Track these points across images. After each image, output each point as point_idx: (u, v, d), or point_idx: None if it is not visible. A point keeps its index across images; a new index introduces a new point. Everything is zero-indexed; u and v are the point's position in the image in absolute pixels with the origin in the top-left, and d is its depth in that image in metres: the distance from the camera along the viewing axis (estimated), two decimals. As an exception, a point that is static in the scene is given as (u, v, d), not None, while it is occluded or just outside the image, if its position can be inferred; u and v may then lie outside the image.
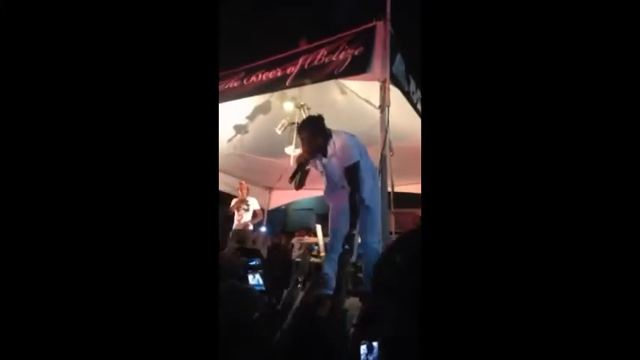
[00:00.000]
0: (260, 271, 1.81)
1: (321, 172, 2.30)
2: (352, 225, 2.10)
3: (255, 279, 1.78)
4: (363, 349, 0.99)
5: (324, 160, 2.21)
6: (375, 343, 0.99)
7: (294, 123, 3.07)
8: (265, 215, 4.97)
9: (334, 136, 2.17)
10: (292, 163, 3.14)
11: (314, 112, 3.04)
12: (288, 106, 3.02)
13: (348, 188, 2.15)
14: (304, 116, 3.03)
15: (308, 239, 3.63)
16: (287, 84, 2.15)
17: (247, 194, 4.36)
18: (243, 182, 4.40)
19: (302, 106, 3.02)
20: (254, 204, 4.37)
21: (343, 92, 2.74)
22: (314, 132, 2.16)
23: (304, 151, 2.20)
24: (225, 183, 4.39)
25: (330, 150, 2.16)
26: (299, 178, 2.28)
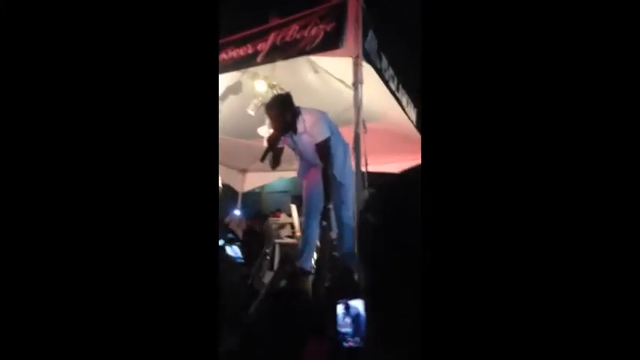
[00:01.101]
0: (238, 243, 1.81)
1: (294, 149, 2.29)
2: (327, 199, 2.12)
3: (233, 251, 1.78)
4: (340, 308, 1.00)
5: (295, 137, 2.21)
6: (351, 302, 1.00)
7: (264, 104, 3.03)
8: (239, 198, 4.93)
9: (304, 113, 2.17)
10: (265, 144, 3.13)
11: (286, 92, 3.02)
12: (260, 86, 2.97)
13: (320, 165, 2.15)
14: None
15: (283, 220, 3.62)
16: (258, 61, 2.11)
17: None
18: None
19: (274, 85, 2.97)
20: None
21: (316, 71, 2.71)
22: (282, 109, 2.16)
23: (274, 129, 2.20)
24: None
25: (300, 127, 2.17)
26: (272, 157, 2.28)
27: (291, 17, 2.05)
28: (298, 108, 2.20)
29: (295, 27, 2.00)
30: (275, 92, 2.97)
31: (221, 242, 1.82)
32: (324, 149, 2.13)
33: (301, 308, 1.26)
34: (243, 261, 1.79)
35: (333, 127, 2.20)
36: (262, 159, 2.25)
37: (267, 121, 3.04)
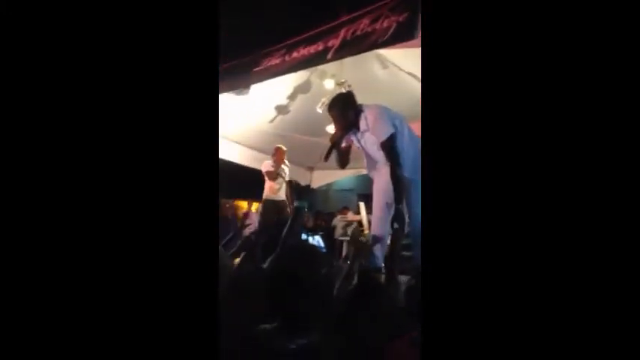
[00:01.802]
0: (321, 233, 1.83)
1: (358, 148, 2.27)
2: (397, 200, 2.06)
3: (315, 240, 1.80)
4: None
5: (359, 136, 2.18)
6: None
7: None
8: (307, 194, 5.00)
9: (366, 110, 2.12)
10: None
11: (355, 89, 3.01)
12: (329, 84, 2.99)
13: (388, 163, 2.10)
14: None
15: (351, 217, 3.62)
16: (329, 57, 2.11)
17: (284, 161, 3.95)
18: (281, 146, 3.92)
19: (342, 83, 2.98)
20: (287, 173, 4.02)
21: (385, 66, 2.67)
22: (343, 108, 2.14)
23: (336, 128, 2.18)
24: (268, 164, 4.44)
25: (362, 125, 2.13)
26: (339, 156, 2.27)
27: (361, 11, 2.03)
28: (360, 106, 2.15)
29: (366, 21, 1.97)
30: (344, 90, 2.98)
31: (304, 236, 1.85)
32: (388, 147, 2.05)
33: (376, 307, 1.23)
34: (325, 250, 1.81)
35: (398, 123, 2.12)
36: (326, 158, 2.24)
37: (333, 120, 3.07)
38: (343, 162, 2.32)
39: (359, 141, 2.22)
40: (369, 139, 2.15)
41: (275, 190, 3.93)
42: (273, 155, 3.87)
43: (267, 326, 1.03)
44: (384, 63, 2.65)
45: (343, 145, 2.26)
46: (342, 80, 2.94)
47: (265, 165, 3.91)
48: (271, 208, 3.86)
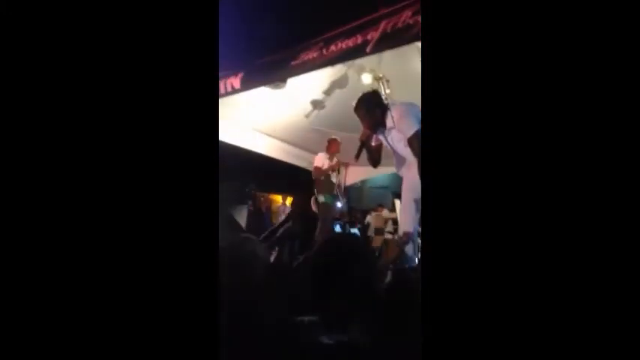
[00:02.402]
0: (358, 226, 1.84)
1: (386, 146, 2.25)
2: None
3: (353, 231, 1.82)
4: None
5: (386, 134, 2.17)
6: None
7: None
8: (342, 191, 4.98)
9: (392, 108, 2.12)
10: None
11: (393, 84, 2.94)
12: (366, 79, 2.94)
13: (416, 159, 2.06)
14: (383, 89, 2.94)
15: (386, 214, 3.56)
16: (367, 51, 2.07)
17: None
18: (336, 138, 3.68)
19: (380, 78, 2.92)
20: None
21: (425, 60, 2.59)
22: (369, 107, 2.15)
23: (364, 127, 2.20)
24: (303, 158, 4.44)
25: (389, 122, 2.12)
26: (370, 155, 2.29)
27: (402, 3, 1.97)
28: (387, 104, 2.16)
29: (408, 13, 1.92)
30: (381, 84, 2.92)
31: (337, 228, 1.86)
32: (415, 143, 2.03)
33: (411, 305, 1.20)
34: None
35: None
36: (357, 157, 2.26)
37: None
38: (375, 160, 2.33)
39: (386, 139, 2.22)
40: (395, 136, 2.15)
41: (329, 185, 3.75)
42: (328, 148, 3.71)
43: (305, 319, 1.02)
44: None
45: (373, 143, 2.27)
46: (380, 75, 2.88)
47: (320, 159, 3.71)
48: (328, 204, 3.70)
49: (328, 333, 0.95)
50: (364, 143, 2.21)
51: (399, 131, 2.09)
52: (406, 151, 2.14)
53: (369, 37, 2.07)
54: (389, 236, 3.18)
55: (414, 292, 1.41)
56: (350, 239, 1.50)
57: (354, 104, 2.25)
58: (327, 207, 3.59)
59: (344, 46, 2.17)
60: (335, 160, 3.68)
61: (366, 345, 0.95)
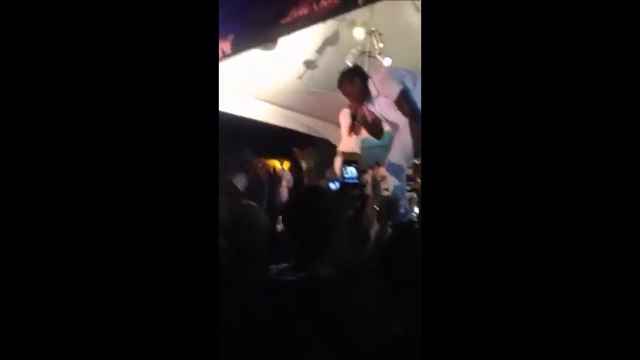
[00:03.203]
0: (355, 165, 1.88)
1: (378, 115, 2.25)
2: (416, 154, 2.04)
3: (348, 172, 1.87)
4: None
5: (374, 102, 2.20)
6: None
7: (365, 52, 2.92)
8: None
9: (372, 76, 2.14)
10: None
11: (386, 37, 2.86)
12: (359, 33, 2.86)
13: (406, 120, 2.06)
14: (376, 43, 2.86)
15: (383, 172, 3.56)
16: (360, 3, 2.01)
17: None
18: None
19: (373, 31, 2.84)
20: None
21: (419, 10, 2.51)
22: (351, 80, 2.15)
23: (351, 101, 2.21)
24: (300, 123, 4.40)
25: (372, 91, 2.13)
26: (370, 128, 2.33)
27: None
28: (366, 73, 2.17)
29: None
30: (374, 39, 2.85)
31: (332, 186, 1.90)
32: (402, 104, 2.04)
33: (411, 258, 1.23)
34: (357, 182, 1.87)
35: (409, 79, 2.09)
36: (351, 133, 2.30)
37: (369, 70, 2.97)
38: (377, 133, 2.37)
39: (375, 108, 2.24)
40: (382, 102, 2.17)
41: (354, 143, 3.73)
42: (349, 94, 3.59)
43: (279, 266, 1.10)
44: (417, 6, 2.49)
45: (369, 118, 2.28)
46: (373, 29, 2.80)
47: (344, 115, 3.67)
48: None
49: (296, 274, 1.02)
50: (355, 117, 2.23)
51: (385, 96, 2.10)
52: (396, 115, 2.14)
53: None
54: (386, 193, 3.20)
55: (413, 244, 1.46)
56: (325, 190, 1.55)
57: (337, 84, 2.25)
58: (312, 171, 3.58)
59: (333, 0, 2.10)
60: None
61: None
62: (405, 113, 2.07)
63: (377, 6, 2.32)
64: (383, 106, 2.19)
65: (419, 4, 2.44)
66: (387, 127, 2.52)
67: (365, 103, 2.22)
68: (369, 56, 2.91)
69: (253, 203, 1.56)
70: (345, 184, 1.82)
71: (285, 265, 1.12)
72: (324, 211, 1.12)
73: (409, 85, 2.09)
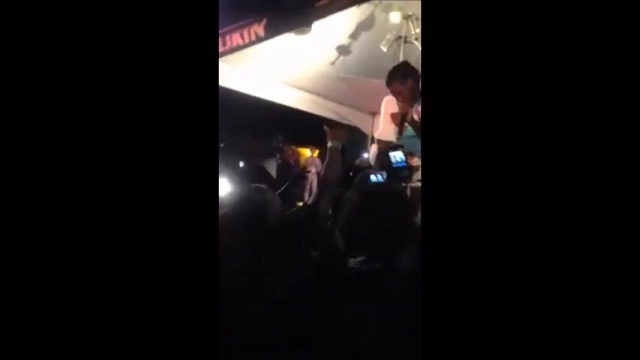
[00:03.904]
0: (402, 149, 1.88)
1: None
2: None
3: (395, 157, 1.87)
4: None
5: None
6: None
7: (400, 37, 2.82)
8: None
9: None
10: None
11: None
12: (395, 18, 2.76)
13: None
14: (413, 28, 2.76)
15: (415, 163, 3.47)
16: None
17: None
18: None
19: (410, 16, 2.73)
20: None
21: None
22: (402, 80, 2.06)
23: (399, 101, 2.12)
24: (329, 109, 4.34)
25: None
26: (418, 130, 2.18)
27: None
28: (418, 72, 2.08)
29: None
30: (411, 23, 2.74)
31: (373, 178, 1.88)
32: None
33: None
34: (405, 164, 1.88)
35: None
36: (399, 134, 2.18)
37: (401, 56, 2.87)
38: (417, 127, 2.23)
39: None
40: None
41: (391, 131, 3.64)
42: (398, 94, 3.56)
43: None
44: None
45: (417, 118, 2.16)
46: (410, 13, 2.69)
47: (389, 101, 3.65)
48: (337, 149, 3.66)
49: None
50: (404, 119, 2.13)
51: None
52: None
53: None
54: (418, 183, 3.12)
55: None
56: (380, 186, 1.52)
57: (386, 79, 2.15)
58: (336, 152, 3.48)
59: (369, -20, 2.02)
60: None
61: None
62: None
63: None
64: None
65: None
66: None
67: (416, 105, 2.11)
68: (406, 42, 2.81)
69: (263, 186, 1.52)
70: (394, 169, 1.80)
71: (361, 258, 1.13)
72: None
73: None
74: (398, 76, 2.13)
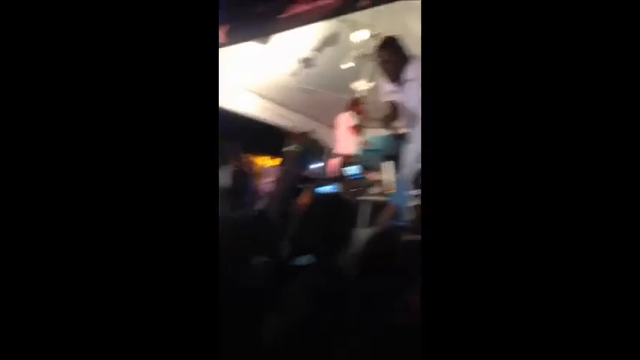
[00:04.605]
0: (358, 164, 1.87)
1: (402, 101, 2.15)
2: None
3: (350, 170, 1.85)
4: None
5: (404, 85, 2.08)
6: None
7: (365, 55, 2.85)
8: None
9: (415, 61, 2.02)
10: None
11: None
12: (361, 36, 2.78)
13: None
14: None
15: (373, 176, 3.50)
16: (362, 4, 1.93)
17: None
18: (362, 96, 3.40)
19: (377, 35, 2.77)
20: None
21: (424, 18, 2.44)
22: (396, 52, 2.04)
23: (384, 71, 2.10)
24: (289, 119, 4.30)
25: (410, 74, 2.01)
26: (385, 116, 2.21)
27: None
28: (407, 55, 2.07)
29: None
30: (376, 42, 2.78)
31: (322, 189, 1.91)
32: None
33: (394, 265, 1.25)
34: (361, 176, 1.88)
35: None
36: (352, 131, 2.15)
37: (371, 72, 2.90)
38: (392, 119, 2.24)
39: (401, 92, 2.11)
40: (413, 89, 2.02)
41: (352, 146, 3.47)
42: (352, 106, 3.49)
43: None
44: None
45: (389, 99, 2.18)
46: (376, 32, 2.72)
47: (345, 119, 3.48)
48: (296, 153, 3.63)
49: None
50: (363, 130, 2.25)
51: (417, 87, 1.96)
52: (418, 109, 2.05)
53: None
54: (378, 198, 3.13)
55: (401, 252, 1.43)
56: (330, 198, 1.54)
57: (379, 45, 2.13)
58: (293, 157, 3.47)
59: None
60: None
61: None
62: None
63: (383, 9, 2.25)
64: (412, 94, 2.06)
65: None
66: (394, 128, 2.44)
67: (393, 85, 2.10)
68: (371, 59, 2.84)
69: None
70: (349, 179, 1.80)
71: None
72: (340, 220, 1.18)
73: None
74: (391, 47, 2.10)
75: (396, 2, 2.12)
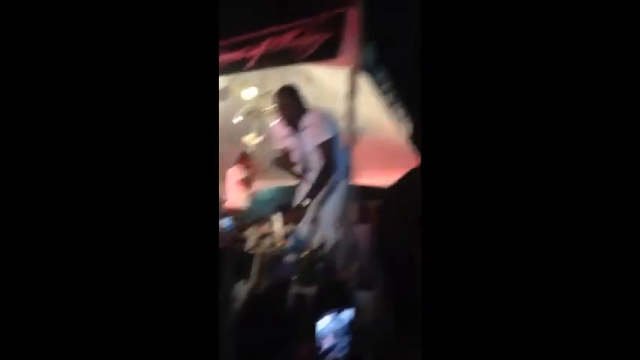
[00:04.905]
0: (231, 217, 1.85)
1: (294, 148, 2.24)
2: (309, 196, 2.07)
3: (224, 222, 1.88)
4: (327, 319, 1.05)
5: (299, 134, 2.18)
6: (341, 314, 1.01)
7: (254, 111, 2.96)
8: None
9: (311, 109, 2.15)
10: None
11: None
12: (250, 93, 2.89)
13: (320, 165, 2.09)
14: (269, 104, 2.92)
15: (265, 229, 3.51)
16: (249, 66, 2.04)
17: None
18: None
19: (267, 93, 2.90)
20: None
21: (309, 80, 2.65)
22: (292, 98, 2.15)
23: (282, 116, 2.20)
24: (236, 171, 4.16)
25: (306, 122, 2.12)
26: (278, 160, 2.29)
27: (288, 25, 1.98)
28: (305, 103, 2.19)
29: (291, 35, 1.93)
30: (266, 100, 2.90)
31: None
32: (327, 148, 2.06)
33: (281, 318, 1.26)
34: (232, 227, 1.87)
35: (337, 130, 2.15)
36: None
37: (260, 126, 2.99)
38: (285, 165, 2.32)
39: (297, 140, 2.20)
40: (308, 137, 2.14)
41: (240, 200, 3.54)
42: (241, 160, 3.54)
43: None
44: (308, 76, 2.62)
45: (282, 147, 2.27)
46: (266, 90, 2.86)
47: (234, 172, 3.50)
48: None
49: None
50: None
51: (314, 133, 2.09)
52: (312, 156, 2.14)
53: (251, 53, 2.04)
54: (268, 250, 3.12)
55: (287, 303, 1.45)
56: None
57: (277, 91, 2.23)
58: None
59: (226, 59, 2.10)
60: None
61: None
62: (323, 158, 2.07)
63: (271, 72, 2.38)
64: (306, 141, 2.15)
65: (308, 73, 2.57)
66: (281, 183, 2.48)
67: (289, 132, 2.18)
68: (260, 116, 2.95)
69: None
70: (223, 232, 1.80)
71: None
72: None
73: (337, 135, 2.11)
74: (286, 91, 2.21)
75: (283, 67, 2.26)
